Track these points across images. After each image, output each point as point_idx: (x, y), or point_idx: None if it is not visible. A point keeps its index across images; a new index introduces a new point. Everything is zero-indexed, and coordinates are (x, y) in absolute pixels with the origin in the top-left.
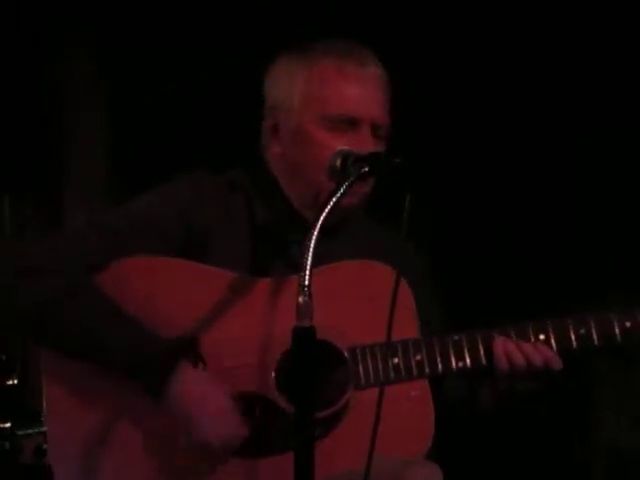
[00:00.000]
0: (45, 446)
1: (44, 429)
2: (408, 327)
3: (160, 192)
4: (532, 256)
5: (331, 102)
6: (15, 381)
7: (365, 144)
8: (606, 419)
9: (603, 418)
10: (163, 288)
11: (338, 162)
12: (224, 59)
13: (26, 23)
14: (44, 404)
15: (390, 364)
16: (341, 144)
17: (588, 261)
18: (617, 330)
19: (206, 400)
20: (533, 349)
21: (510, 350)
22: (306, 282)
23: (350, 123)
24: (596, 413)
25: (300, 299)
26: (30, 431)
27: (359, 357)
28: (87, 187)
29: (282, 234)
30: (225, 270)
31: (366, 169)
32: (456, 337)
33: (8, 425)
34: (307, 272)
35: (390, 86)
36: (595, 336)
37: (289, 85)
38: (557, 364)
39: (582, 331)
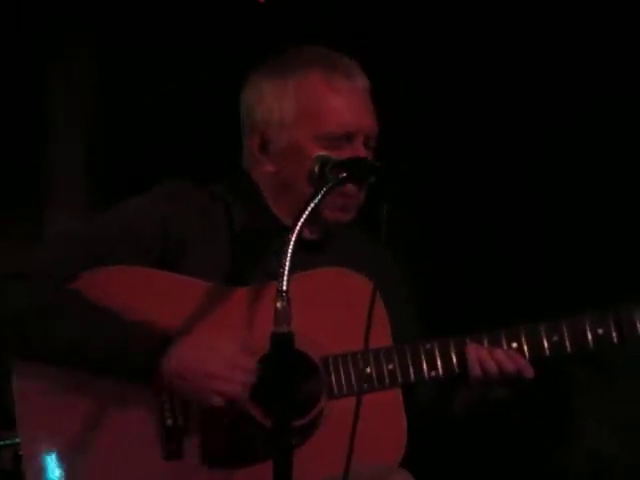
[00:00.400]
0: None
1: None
2: (382, 336)
3: (137, 202)
4: (513, 260)
5: (326, 120)
6: None
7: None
8: (587, 427)
9: (584, 426)
10: (140, 298)
11: (316, 168)
12: (223, 60)
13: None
14: (17, 415)
15: (363, 374)
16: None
17: (568, 266)
18: (589, 337)
19: (212, 355)
20: (505, 356)
21: (483, 357)
22: (284, 287)
23: (347, 139)
24: (577, 421)
25: (278, 304)
26: (9, 439)
27: (331, 367)
28: (67, 191)
29: (263, 244)
30: (202, 280)
31: (344, 174)
32: (428, 345)
33: None
34: (285, 277)
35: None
36: (568, 343)
37: (277, 101)
38: (529, 372)
39: (555, 338)
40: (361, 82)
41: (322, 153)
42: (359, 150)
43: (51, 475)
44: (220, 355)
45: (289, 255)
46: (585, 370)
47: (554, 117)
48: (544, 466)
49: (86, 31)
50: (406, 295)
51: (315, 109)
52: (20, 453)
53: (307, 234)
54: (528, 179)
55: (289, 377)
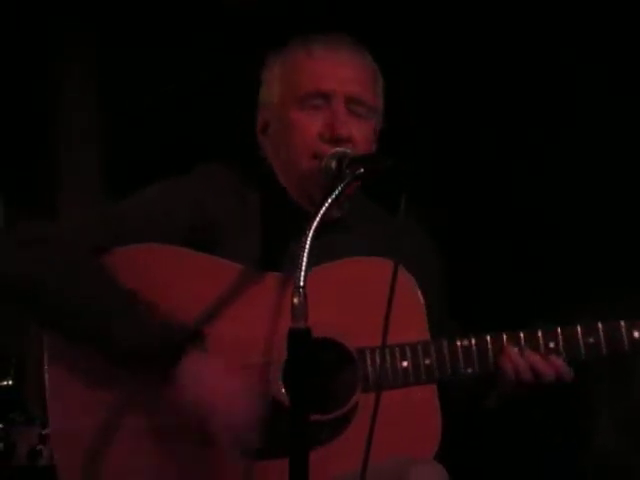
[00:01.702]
0: (39, 447)
1: (38, 431)
2: (417, 328)
3: (172, 182)
4: (522, 257)
5: (301, 82)
6: (9, 382)
7: (338, 120)
8: (599, 425)
9: (596, 424)
10: (170, 277)
11: (333, 164)
12: (223, 60)
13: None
14: (46, 397)
15: (399, 367)
16: (317, 123)
17: (577, 262)
18: (625, 340)
19: (217, 391)
20: (543, 363)
21: (519, 368)
22: (301, 283)
23: (322, 98)
24: (588, 419)
25: (295, 300)
26: (24, 433)
27: (368, 359)
28: (81, 186)
29: (286, 230)
30: (234, 263)
31: (361, 170)
32: (465, 342)
33: (2, 426)
34: (302, 273)
35: (376, 72)
36: (604, 346)
37: (270, 82)
38: (568, 376)
39: (591, 340)
40: (347, 51)
41: (339, 150)
42: (336, 112)
43: (81, 461)
44: (224, 393)
45: (306, 250)
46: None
47: (555, 117)
48: (555, 462)
49: (91, 24)
50: (446, 288)
51: (294, 77)
52: (38, 448)
53: (335, 213)
54: (530, 177)
55: (307, 373)
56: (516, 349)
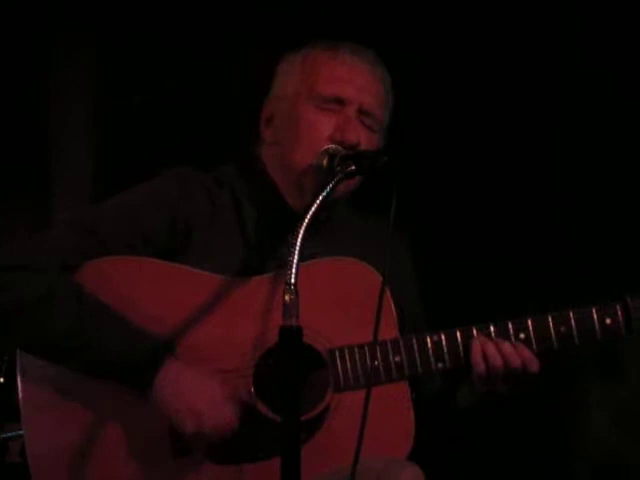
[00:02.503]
0: None
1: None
2: (389, 328)
3: (144, 188)
4: (515, 249)
5: (320, 81)
6: (1, 380)
7: (349, 125)
8: (593, 417)
9: (590, 417)
10: (142, 289)
11: (325, 161)
12: (216, 63)
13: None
14: (21, 412)
15: (369, 366)
16: (328, 125)
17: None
18: (597, 328)
19: (196, 392)
20: (512, 350)
21: (488, 353)
22: (292, 280)
23: (337, 102)
24: (582, 412)
25: (287, 297)
26: (16, 430)
27: (338, 359)
28: (74, 189)
29: (272, 231)
30: (204, 272)
31: (352, 168)
32: (435, 337)
33: None
34: (293, 270)
35: (390, 90)
36: (576, 334)
37: (286, 76)
38: (534, 366)
39: (562, 329)
40: (368, 61)
41: (331, 146)
42: (349, 118)
43: (57, 474)
44: (206, 395)
45: (297, 249)
46: (591, 360)
47: (547, 112)
48: (550, 456)
49: (89, 23)
50: (417, 285)
51: (313, 74)
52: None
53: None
54: (532, 173)
55: (298, 370)
56: (486, 338)
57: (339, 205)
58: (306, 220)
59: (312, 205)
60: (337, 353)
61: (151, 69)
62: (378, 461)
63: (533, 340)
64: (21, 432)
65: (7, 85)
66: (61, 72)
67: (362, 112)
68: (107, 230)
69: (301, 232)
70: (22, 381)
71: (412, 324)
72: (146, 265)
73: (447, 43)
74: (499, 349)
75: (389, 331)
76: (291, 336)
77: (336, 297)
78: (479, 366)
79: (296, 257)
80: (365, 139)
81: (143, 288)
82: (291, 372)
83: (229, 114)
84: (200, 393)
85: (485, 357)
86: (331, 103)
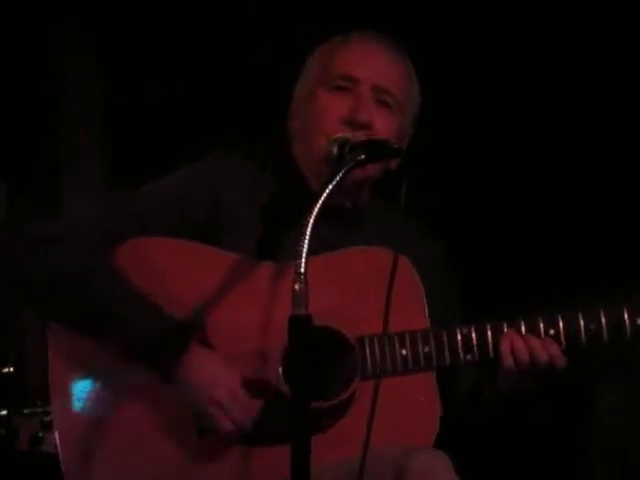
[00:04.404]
0: (41, 434)
1: (40, 417)
2: (417, 316)
3: (183, 172)
4: (532, 247)
5: (333, 62)
6: (11, 369)
7: (361, 103)
8: (602, 408)
9: (600, 407)
10: (173, 270)
11: (335, 149)
12: (224, 58)
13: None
14: (49, 383)
15: (398, 355)
16: (342, 106)
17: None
18: (628, 327)
19: (217, 383)
20: (540, 346)
21: (517, 347)
22: (302, 269)
23: (350, 81)
24: (593, 402)
25: (296, 286)
26: (26, 418)
27: (367, 346)
28: (85, 174)
29: (299, 214)
30: (238, 254)
31: (362, 156)
32: (465, 330)
33: (4, 412)
34: (303, 259)
35: (411, 73)
36: (605, 333)
37: (307, 69)
38: (561, 362)
39: (592, 327)
40: (385, 46)
41: (340, 135)
42: (361, 96)
43: (81, 448)
44: (225, 390)
45: (307, 237)
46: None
47: (556, 112)
48: (561, 449)
49: (86, 27)
50: (451, 279)
51: (328, 61)
52: (40, 434)
53: (347, 204)
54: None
55: (308, 360)
56: (516, 333)
57: (367, 195)
58: (316, 208)
59: (321, 194)
60: (366, 341)
61: (162, 57)
62: (403, 448)
63: (562, 336)
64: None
65: (16, 74)
66: (72, 66)
67: (378, 90)
68: (146, 211)
69: (311, 221)
70: (52, 358)
71: (444, 317)
72: (179, 246)
73: (452, 43)
74: (527, 344)
75: (419, 321)
76: (301, 325)
77: (365, 286)
78: (507, 360)
79: (306, 245)
80: (381, 118)
81: (174, 269)
82: (301, 361)
83: (240, 108)
84: (220, 385)
85: (513, 351)
86: (344, 82)
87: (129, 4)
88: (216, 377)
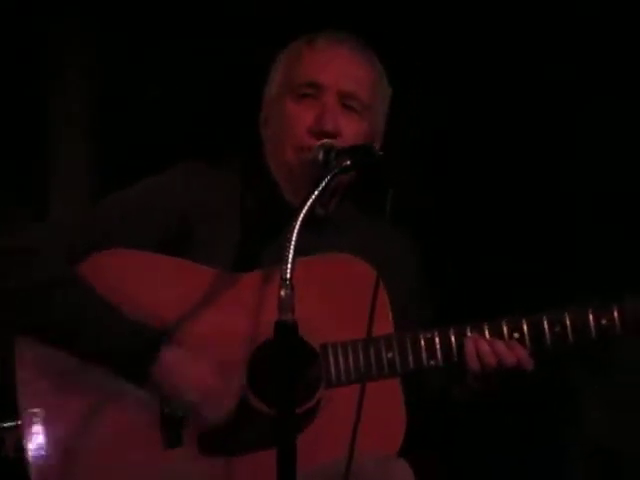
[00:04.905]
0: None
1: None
2: (383, 324)
3: (151, 182)
4: (532, 247)
5: (298, 72)
6: None
7: (327, 114)
8: (587, 412)
9: (584, 411)
10: (140, 282)
11: (320, 156)
12: (224, 58)
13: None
14: (17, 397)
15: (362, 361)
16: (308, 116)
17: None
18: (592, 328)
19: (191, 370)
20: (506, 349)
21: (482, 350)
22: (287, 275)
23: (315, 88)
24: (576, 406)
25: (282, 292)
26: (12, 424)
27: (330, 354)
28: (72, 185)
29: (271, 226)
30: (205, 266)
31: (348, 162)
32: (428, 334)
33: None
34: (289, 265)
35: (379, 73)
36: (570, 334)
37: (273, 75)
38: (529, 364)
39: (557, 329)
40: (348, 46)
41: (326, 141)
42: (326, 106)
43: (51, 461)
44: (197, 382)
45: (293, 243)
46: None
47: (553, 111)
48: (544, 450)
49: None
50: (422, 285)
51: (292, 67)
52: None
53: (318, 210)
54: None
55: (292, 365)
56: (480, 337)
57: (341, 202)
58: (301, 215)
59: (307, 200)
60: (330, 348)
61: (154, 65)
62: (369, 461)
63: (527, 339)
64: (17, 423)
65: (18, 80)
66: (72, 66)
67: (343, 95)
68: (112, 223)
69: (297, 227)
70: (20, 369)
71: (410, 320)
72: (146, 258)
73: (453, 43)
74: (492, 348)
75: (383, 327)
76: (286, 331)
77: (331, 292)
78: (473, 364)
79: (291, 252)
80: (347, 124)
81: (141, 281)
82: (285, 367)
83: (229, 112)
84: (200, 374)
85: (479, 354)
86: (309, 89)
87: (129, 4)
88: (195, 369)
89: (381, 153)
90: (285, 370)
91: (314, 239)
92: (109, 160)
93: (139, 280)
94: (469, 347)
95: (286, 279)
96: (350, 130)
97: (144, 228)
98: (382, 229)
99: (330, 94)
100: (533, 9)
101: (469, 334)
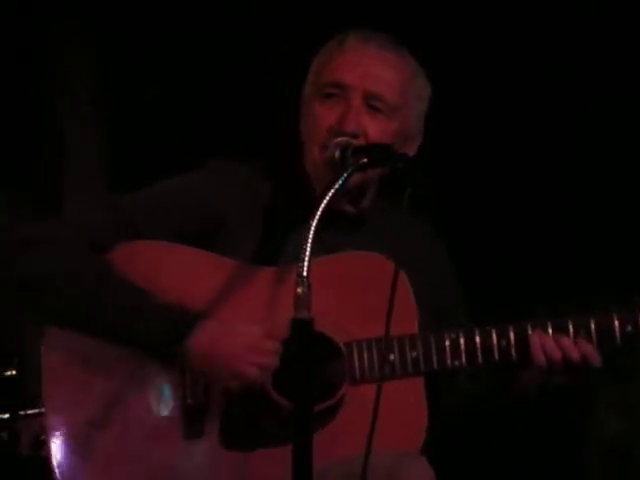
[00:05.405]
0: (43, 437)
1: (41, 420)
2: (408, 322)
3: (181, 180)
4: (532, 248)
5: (324, 70)
6: (13, 372)
7: (349, 114)
8: (601, 415)
9: (598, 414)
10: (167, 275)
11: (337, 153)
12: (224, 58)
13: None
14: (42, 386)
15: (385, 360)
16: (332, 115)
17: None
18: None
19: (233, 335)
20: (571, 344)
21: (548, 346)
22: (304, 272)
23: (340, 88)
24: (591, 409)
25: (299, 290)
26: (28, 422)
27: (355, 352)
28: (85, 174)
29: (303, 221)
30: (231, 259)
31: (365, 160)
32: (453, 335)
33: (6, 416)
34: (305, 262)
35: (413, 73)
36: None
37: (308, 76)
38: (596, 360)
39: (629, 329)
40: (378, 46)
41: (342, 139)
42: (350, 107)
43: (72, 448)
44: (243, 338)
45: (310, 240)
46: None
47: (556, 112)
48: (559, 450)
49: (86, 31)
50: (453, 285)
51: (322, 66)
52: (42, 438)
53: (349, 208)
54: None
55: (309, 363)
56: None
57: (370, 199)
58: (318, 213)
59: (323, 198)
60: (354, 346)
61: (162, 57)
62: (387, 456)
63: (594, 338)
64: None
65: (18, 80)
66: (72, 66)
67: (369, 96)
68: (140, 216)
69: (313, 225)
70: (45, 355)
71: (439, 318)
72: (173, 250)
73: (453, 43)
74: (557, 342)
75: (408, 326)
76: (302, 329)
77: (357, 290)
78: (538, 358)
79: (309, 250)
80: (375, 126)
81: (167, 272)
82: (300, 364)
83: (229, 112)
84: (247, 332)
85: (544, 350)
86: (334, 89)
87: (129, 4)
88: (234, 333)
89: (398, 151)
90: (301, 367)
91: (345, 237)
92: (122, 160)
93: (164, 271)
94: (534, 343)
95: (302, 277)
96: (375, 131)
97: (174, 226)
98: (412, 225)
99: (356, 95)
100: (533, 9)
101: (494, 335)
